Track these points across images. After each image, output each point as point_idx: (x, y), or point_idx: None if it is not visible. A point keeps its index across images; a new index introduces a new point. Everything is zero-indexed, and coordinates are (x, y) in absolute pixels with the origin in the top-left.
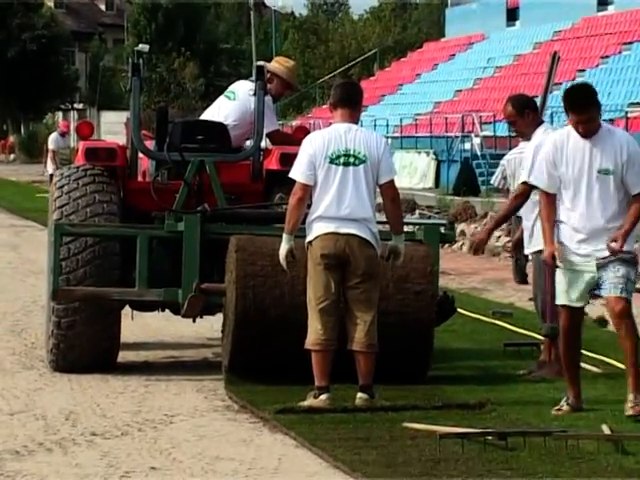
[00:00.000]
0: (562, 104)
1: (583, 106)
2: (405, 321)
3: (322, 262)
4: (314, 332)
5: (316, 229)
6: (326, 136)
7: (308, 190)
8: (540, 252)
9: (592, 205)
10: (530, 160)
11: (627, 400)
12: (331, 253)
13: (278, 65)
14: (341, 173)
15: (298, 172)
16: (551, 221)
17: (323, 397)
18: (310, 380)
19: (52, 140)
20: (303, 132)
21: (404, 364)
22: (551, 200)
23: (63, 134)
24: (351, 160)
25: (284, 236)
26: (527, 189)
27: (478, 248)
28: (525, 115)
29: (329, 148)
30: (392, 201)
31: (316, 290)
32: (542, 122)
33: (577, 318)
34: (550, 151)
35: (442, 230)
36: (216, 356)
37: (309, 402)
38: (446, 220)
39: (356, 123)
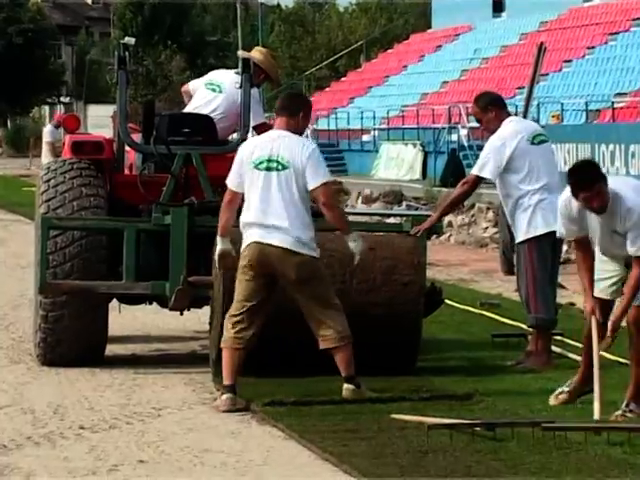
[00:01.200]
0: (569, 185)
1: (590, 182)
2: (393, 313)
3: (247, 272)
4: (226, 330)
5: (245, 238)
6: (254, 143)
7: (236, 196)
8: (522, 243)
9: (609, 249)
10: (484, 153)
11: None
12: (255, 264)
13: (257, 54)
14: (264, 178)
15: (229, 179)
16: (588, 270)
17: (224, 397)
18: (298, 370)
19: (48, 132)
20: None
21: (392, 355)
22: (582, 247)
23: (58, 125)
24: (273, 165)
25: (217, 239)
26: (476, 180)
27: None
28: (489, 112)
29: (254, 154)
30: (324, 206)
31: (237, 295)
32: (508, 115)
33: (604, 310)
34: (562, 214)
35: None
36: (204, 348)
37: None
38: (433, 211)
39: (296, 132)
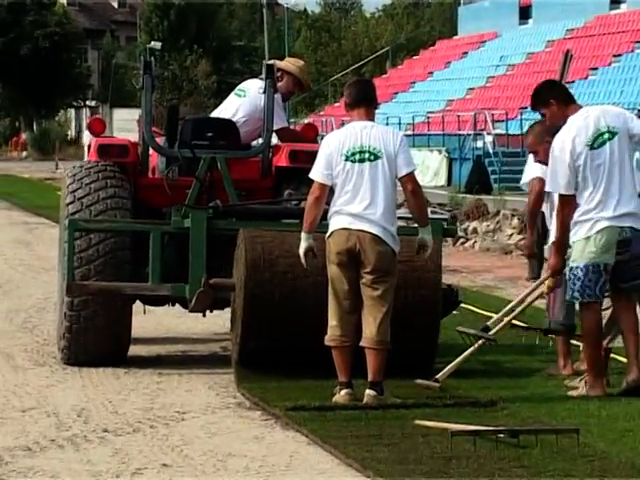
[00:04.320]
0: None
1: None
2: (411, 304)
3: (336, 259)
4: (330, 328)
5: (332, 225)
6: (342, 135)
7: (325, 189)
8: None
9: None
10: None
11: None
12: (343, 249)
13: (288, 63)
14: (357, 169)
15: (316, 172)
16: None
17: (342, 392)
18: (321, 375)
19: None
20: (311, 129)
21: (410, 347)
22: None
23: None
24: (366, 156)
25: (302, 235)
26: None
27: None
28: (545, 142)
29: (344, 146)
30: (412, 194)
31: (332, 286)
32: None
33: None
34: None
35: (445, 225)
36: (225, 350)
37: (335, 398)
38: (448, 215)
39: (373, 120)
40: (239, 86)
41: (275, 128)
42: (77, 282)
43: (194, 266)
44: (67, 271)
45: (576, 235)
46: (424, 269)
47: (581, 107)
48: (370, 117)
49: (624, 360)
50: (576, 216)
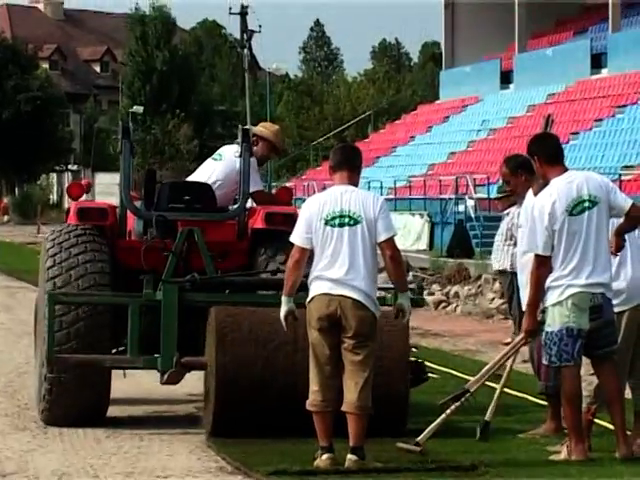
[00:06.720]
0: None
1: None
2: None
3: (317, 324)
4: (311, 393)
5: (312, 290)
6: (322, 199)
7: (305, 253)
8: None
9: None
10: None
11: None
12: (323, 315)
13: (263, 129)
14: (337, 234)
15: (296, 235)
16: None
17: (324, 457)
18: (301, 439)
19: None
20: (286, 193)
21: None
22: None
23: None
24: (346, 220)
25: (283, 298)
26: None
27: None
28: (518, 175)
29: (324, 210)
30: (391, 259)
31: (313, 352)
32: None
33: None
34: None
35: (411, 295)
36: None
37: (316, 462)
38: (415, 285)
39: (355, 185)
40: (217, 151)
41: (250, 191)
42: (57, 355)
43: (165, 340)
44: (47, 344)
45: (548, 300)
46: (392, 328)
47: (566, 170)
48: (352, 181)
49: (605, 424)
50: (549, 281)
